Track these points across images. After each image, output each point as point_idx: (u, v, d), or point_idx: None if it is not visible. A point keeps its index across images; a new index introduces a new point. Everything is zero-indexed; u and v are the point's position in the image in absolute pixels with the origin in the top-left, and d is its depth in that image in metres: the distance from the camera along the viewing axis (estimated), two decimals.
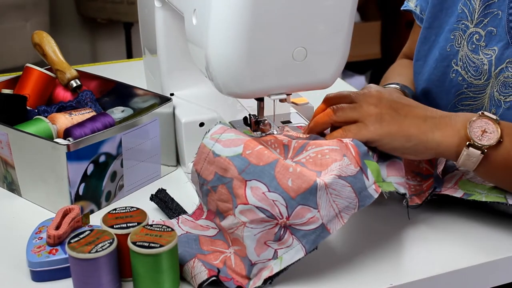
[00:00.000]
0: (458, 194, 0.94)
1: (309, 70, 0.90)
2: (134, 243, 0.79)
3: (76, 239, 0.80)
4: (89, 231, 0.82)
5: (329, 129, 0.95)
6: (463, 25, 1.12)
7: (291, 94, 0.94)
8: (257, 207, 0.80)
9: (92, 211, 1.01)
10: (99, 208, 1.02)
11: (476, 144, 0.87)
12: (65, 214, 0.89)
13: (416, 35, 1.28)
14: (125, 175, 1.05)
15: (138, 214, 0.87)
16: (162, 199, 1.00)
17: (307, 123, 1.05)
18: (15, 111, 1.11)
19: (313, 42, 0.88)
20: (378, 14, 3.81)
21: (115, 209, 0.88)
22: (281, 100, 0.93)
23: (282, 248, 0.81)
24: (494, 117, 0.90)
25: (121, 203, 1.04)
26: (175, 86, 1.20)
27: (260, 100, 0.97)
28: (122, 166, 1.04)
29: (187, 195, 1.03)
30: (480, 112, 0.90)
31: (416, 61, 1.22)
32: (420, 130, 0.88)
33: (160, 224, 0.83)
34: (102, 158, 0.99)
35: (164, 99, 1.12)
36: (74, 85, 1.20)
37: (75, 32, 3.45)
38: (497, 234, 0.95)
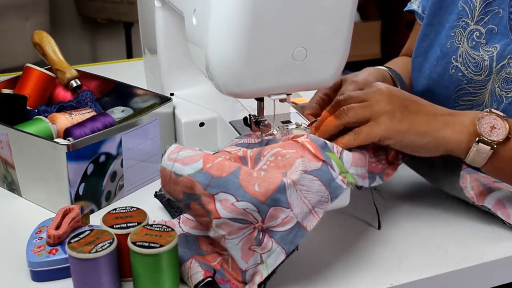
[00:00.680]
0: (400, 162, 0.94)
1: (309, 70, 0.90)
2: (134, 243, 0.79)
3: (76, 239, 0.80)
4: (89, 231, 0.82)
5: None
6: (463, 23, 1.12)
7: (291, 94, 0.94)
8: (230, 219, 0.79)
9: (92, 211, 1.01)
10: (99, 208, 1.02)
11: (486, 139, 0.89)
12: (65, 214, 0.89)
13: (416, 34, 1.28)
14: (125, 175, 1.05)
15: (138, 214, 0.87)
16: (165, 196, 1.00)
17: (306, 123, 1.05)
18: (15, 111, 1.11)
19: (313, 42, 0.88)
20: (378, 14, 3.82)
21: (115, 209, 0.88)
22: (281, 100, 0.93)
23: (264, 252, 0.80)
24: (502, 114, 0.91)
25: (121, 203, 1.04)
26: (175, 86, 1.20)
27: (260, 100, 0.97)
28: (122, 166, 1.04)
29: None
30: (487, 109, 0.91)
31: (415, 57, 1.22)
32: (431, 127, 0.89)
33: (160, 224, 0.83)
34: (102, 158, 0.99)
35: (164, 99, 1.12)
36: (74, 85, 1.20)
37: (75, 32, 3.45)
38: (497, 234, 0.95)
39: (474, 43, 1.10)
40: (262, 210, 0.79)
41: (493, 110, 0.91)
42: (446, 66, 1.15)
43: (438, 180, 1.00)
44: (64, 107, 1.17)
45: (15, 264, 0.89)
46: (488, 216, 0.98)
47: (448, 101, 1.15)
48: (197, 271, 0.82)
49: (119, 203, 1.04)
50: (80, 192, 0.98)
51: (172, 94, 1.19)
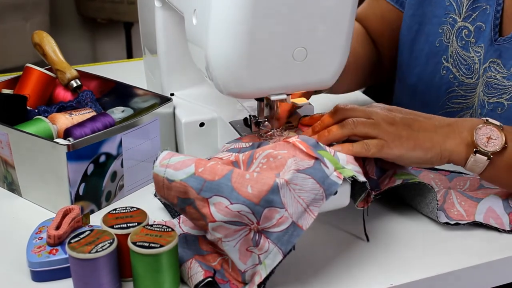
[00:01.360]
0: (398, 182, 0.94)
1: (309, 70, 0.90)
2: (134, 243, 0.79)
3: (76, 239, 0.80)
4: (89, 231, 0.82)
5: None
6: (451, 19, 1.10)
7: (291, 94, 0.94)
8: (225, 222, 0.79)
9: (92, 211, 1.01)
10: (99, 208, 1.02)
11: (482, 150, 0.91)
12: (65, 214, 0.89)
13: (374, 2, 1.26)
14: (125, 175, 1.05)
15: (138, 214, 0.87)
16: None
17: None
18: (15, 111, 1.11)
19: (313, 42, 0.88)
20: None
21: (115, 209, 0.88)
22: (281, 100, 0.93)
23: (262, 253, 0.80)
24: (498, 123, 0.93)
25: (121, 203, 1.04)
26: (175, 86, 1.20)
27: (260, 100, 0.97)
28: (122, 166, 1.04)
29: None
30: (484, 119, 0.93)
31: (401, 51, 1.21)
32: (433, 142, 0.92)
33: (160, 224, 0.83)
34: (102, 158, 1.00)
35: (164, 99, 1.12)
36: (74, 85, 1.20)
37: (75, 32, 3.45)
38: (497, 234, 0.95)
39: (463, 42, 1.08)
40: (256, 212, 0.78)
41: (489, 120, 0.93)
42: (437, 66, 1.13)
43: (417, 202, 1.00)
44: (64, 107, 1.16)
45: (15, 264, 0.89)
46: None
47: (438, 103, 1.14)
48: (197, 271, 0.82)
49: (119, 203, 1.04)
50: (80, 192, 0.98)
51: (172, 94, 1.19)
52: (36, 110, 1.14)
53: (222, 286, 0.82)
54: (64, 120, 1.10)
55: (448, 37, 1.10)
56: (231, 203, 0.78)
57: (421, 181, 0.94)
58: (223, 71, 0.87)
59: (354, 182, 0.85)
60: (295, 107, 1.03)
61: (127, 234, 0.82)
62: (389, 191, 0.97)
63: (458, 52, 1.08)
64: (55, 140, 1.03)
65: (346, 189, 0.87)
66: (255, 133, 1.00)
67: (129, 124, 1.03)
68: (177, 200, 0.83)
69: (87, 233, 0.82)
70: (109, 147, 1.00)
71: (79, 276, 0.80)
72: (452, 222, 0.95)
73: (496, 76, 1.03)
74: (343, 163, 0.86)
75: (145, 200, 1.02)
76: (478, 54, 1.06)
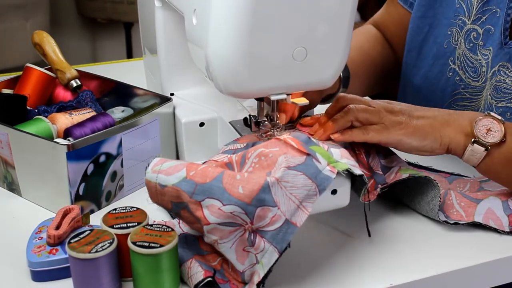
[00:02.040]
0: (405, 176, 0.95)
1: (309, 70, 0.90)
2: (134, 243, 0.79)
3: (76, 239, 0.80)
4: (89, 231, 0.82)
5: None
6: (460, 21, 1.10)
7: (291, 94, 0.94)
8: (219, 224, 0.79)
9: (92, 211, 1.01)
10: (99, 208, 1.02)
11: (481, 141, 0.91)
12: (65, 214, 0.89)
13: (391, 7, 1.27)
14: (125, 175, 1.05)
15: (138, 214, 0.87)
16: None
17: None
18: (15, 111, 1.11)
19: (313, 42, 0.88)
20: None
21: (115, 209, 0.88)
22: (281, 100, 0.93)
23: (258, 253, 0.80)
24: (499, 117, 0.93)
25: (121, 203, 1.04)
26: (175, 86, 1.20)
27: (260, 100, 0.97)
28: (122, 166, 1.04)
29: None
30: (486, 112, 0.94)
31: (408, 51, 1.21)
32: (433, 128, 0.92)
33: (160, 224, 0.83)
34: (102, 158, 0.99)
35: (164, 99, 1.12)
36: (74, 85, 1.20)
37: (75, 32, 3.45)
38: (497, 234, 0.95)
39: (471, 44, 1.08)
40: (249, 212, 0.78)
41: (491, 113, 0.93)
42: (443, 68, 1.13)
43: (417, 201, 1.00)
44: (64, 107, 1.16)
45: (15, 264, 0.89)
46: None
47: (443, 105, 1.14)
48: (197, 271, 0.82)
49: (119, 203, 1.04)
50: (80, 192, 0.98)
51: (172, 94, 1.19)
52: (36, 110, 1.14)
53: (222, 286, 0.82)
54: (64, 120, 1.10)
55: (456, 39, 1.10)
56: (224, 205, 0.78)
57: (427, 176, 0.94)
58: (223, 71, 0.87)
59: (355, 176, 0.85)
60: (301, 110, 1.02)
61: (127, 234, 0.82)
62: (390, 190, 0.97)
63: (465, 55, 1.08)
64: (55, 140, 1.03)
65: (346, 189, 0.87)
66: (255, 133, 1.00)
67: (129, 124, 1.03)
68: (171, 205, 0.83)
69: (87, 233, 0.82)
70: (109, 147, 1.00)
71: (79, 276, 0.80)
72: (451, 222, 0.95)
73: (505, 80, 1.03)
74: (337, 158, 0.86)
75: (145, 200, 1.02)
76: (485, 57, 1.06)
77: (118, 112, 1.16)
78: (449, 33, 1.12)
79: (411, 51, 1.20)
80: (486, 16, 1.06)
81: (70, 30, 3.42)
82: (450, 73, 1.11)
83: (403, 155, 1.00)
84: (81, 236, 0.81)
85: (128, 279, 0.84)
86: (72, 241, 0.80)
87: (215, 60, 0.87)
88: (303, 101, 1.15)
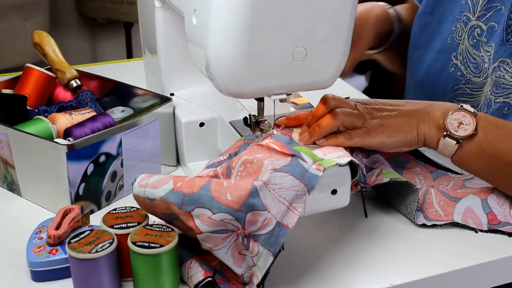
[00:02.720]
0: (386, 180, 0.96)
1: (309, 70, 0.90)
2: (134, 243, 0.79)
3: (76, 239, 0.80)
4: (89, 231, 0.82)
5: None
6: (464, 17, 1.11)
7: (291, 94, 0.94)
8: (211, 232, 0.79)
9: (92, 211, 1.01)
10: (99, 208, 1.02)
11: (452, 134, 0.93)
12: (65, 214, 0.89)
13: (412, 3, 1.30)
14: (125, 175, 1.05)
15: (138, 214, 0.87)
16: None
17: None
18: (15, 111, 1.11)
19: (313, 42, 0.88)
20: None
21: (115, 209, 0.88)
22: (281, 100, 0.93)
23: (254, 256, 0.80)
24: (472, 110, 0.95)
25: (121, 203, 1.04)
26: (175, 86, 1.20)
27: (260, 100, 0.97)
28: (122, 166, 1.04)
29: None
30: (459, 105, 0.95)
31: (415, 47, 1.22)
32: (410, 125, 0.95)
33: (160, 224, 0.83)
34: (102, 158, 0.99)
35: (164, 99, 1.12)
36: (74, 85, 1.20)
37: (75, 32, 3.45)
38: (497, 234, 0.95)
39: (475, 40, 1.09)
40: (239, 218, 0.78)
41: (464, 105, 0.95)
42: (446, 63, 1.14)
43: (396, 203, 1.01)
44: (64, 107, 1.16)
45: (15, 264, 0.89)
46: None
47: (443, 99, 1.15)
48: (197, 271, 0.82)
49: (119, 203, 1.04)
50: (80, 192, 0.98)
51: (172, 94, 1.19)
52: (36, 110, 1.14)
53: (222, 286, 0.82)
54: (64, 120, 1.10)
55: (460, 34, 1.11)
56: (213, 213, 0.78)
57: (407, 181, 0.96)
58: (223, 71, 0.87)
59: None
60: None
61: (127, 234, 0.82)
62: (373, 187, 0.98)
63: (468, 51, 1.09)
64: (55, 140, 1.03)
65: (346, 189, 0.87)
66: (255, 133, 1.00)
67: (129, 124, 1.03)
68: (162, 216, 0.83)
69: (87, 233, 0.82)
70: (109, 147, 1.00)
71: (79, 276, 0.80)
72: (429, 223, 0.96)
73: (504, 76, 1.04)
74: (320, 156, 0.86)
75: None
76: (488, 54, 1.07)
77: (118, 112, 1.16)
78: (454, 28, 1.13)
79: (418, 47, 1.21)
80: (491, 13, 1.07)
81: (70, 30, 3.42)
82: (452, 68, 1.12)
83: None
84: (81, 236, 0.81)
85: (128, 279, 0.84)
86: (72, 241, 0.80)
87: (215, 60, 0.87)
88: (303, 101, 1.15)
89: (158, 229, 0.82)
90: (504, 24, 1.05)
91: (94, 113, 1.12)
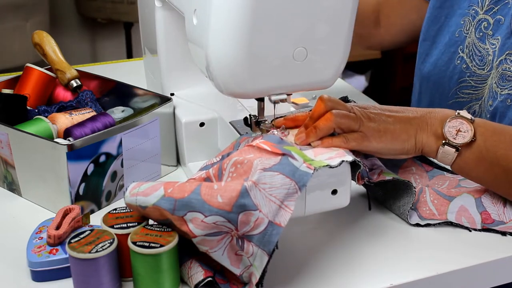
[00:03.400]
0: (389, 178, 0.96)
1: (309, 70, 0.90)
2: (134, 243, 0.79)
3: (76, 239, 0.80)
4: (89, 231, 0.82)
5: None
6: (473, 11, 1.12)
7: (291, 94, 0.94)
8: (205, 235, 0.79)
9: (92, 211, 1.01)
10: (99, 208, 1.02)
11: (451, 142, 0.93)
12: (65, 214, 0.89)
13: None
14: (125, 175, 1.05)
15: (138, 214, 0.86)
16: None
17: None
18: (15, 111, 1.11)
19: (313, 42, 0.88)
20: None
21: (115, 209, 0.88)
22: (281, 100, 0.93)
23: (249, 256, 0.80)
24: (469, 116, 0.94)
25: (121, 203, 1.04)
26: (175, 86, 1.20)
27: (260, 100, 0.97)
28: (122, 166, 1.04)
29: None
30: (457, 112, 0.95)
31: (423, 40, 1.22)
32: (408, 134, 0.94)
33: (160, 224, 0.83)
34: (102, 158, 1.00)
35: (164, 99, 1.12)
36: (74, 85, 1.20)
37: (75, 32, 3.45)
38: (497, 233, 0.95)
39: (481, 34, 1.10)
40: (231, 219, 0.78)
41: (461, 112, 0.95)
42: (453, 56, 1.15)
43: (389, 203, 1.01)
44: (64, 107, 1.16)
45: (15, 264, 0.89)
46: None
47: (449, 92, 1.15)
48: (197, 271, 0.82)
49: (119, 203, 1.04)
50: (80, 192, 0.98)
51: (172, 94, 1.19)
52: (36, 110, 1.14)
53: (222, 286, 0.82)
54: (64, 120, 1.10)
55: (468, 28, 1.12)
56: (206, 216, 0.78)
57: (408, 181, 0.96)
58: (223, 71, 0.87)
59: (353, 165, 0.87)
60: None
61: (127, 234, 0.82)
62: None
63: (474, 43, 1.09)
64: (55, 140, 1.03)
65: (346, 189, 0.87)
66: (255, 132, 1.00)
67: (129, 124, 1.03)
68: (157, 220, 0.83)
69: (87, 233, 0.82)
70: (109, 147, 1.00)
71: (79, 276, 0.80)
72: (423, 223, 0.96)
73: (510, 68, 1.04)
74: (311, 157, 0.86)
75: None
76: (493, 47, 1.07)
77: (118, 112, 1.16)
78: (462, 22, 1.14)
79: (426, 40, 1.21)
80: (499, 6, 1.09)
81: (70, 30, 3.42)
82: (458, 61, 1.13)
83: None
84: (81, 236, 0.81)
85: (128, 279, 0.84)
86: (72, 241, 0.80)
87: (215, 60, 0.87)
88: (303, 101, 1.15)
89: (158, 229, 0.82)
90: (511, 17, 1.06)
91: (94, 113, 1.12)
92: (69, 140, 1.04)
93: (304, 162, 0.83)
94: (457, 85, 1.14)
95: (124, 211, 0.87)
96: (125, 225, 0.84)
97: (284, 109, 1.11)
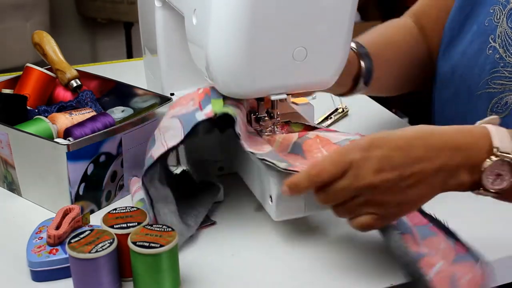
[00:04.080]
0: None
1: (309, 70, 0.90)
2: (134, 243, 0.79)
3: (76, 239, 0.80)
4: (89, 231, 0.82)
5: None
6: (504, 0, 1.10)
7: (291, 94, 0.94)
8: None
9: (92, 211, 1.01)
10: (99, 208, 1.02)
11: (488, 189, 0.80)
12: (65, 214, 0.89)
13: None
14: (125, 175, 1.05)
15: (138, 214, 0.87)
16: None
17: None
18: (15, 111, 1.11)
19: (313, 42, 0.88)
20: (378, 14, 3.81)
21: (115, 209, 0.88)
22: (281, 100, 0.93)
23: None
24: (510, 156, 0.79)
25: (121, 203, 1.04)
26: (175, 86, 1.20)
27: (260, 100, 0.97)
28: (122, 166, 1.04)
29: None
30: (495, 148, 0.79)
31: (448, 29, 1.18)
32: (433, 187, 0.80)
33: (160, 224, 0.83)
34: (102, 158, 0.99)
35: (164, 99, 1.12)
36: (74, 85, 1.20)
37: (75, 32, 3.45)
38: (497, 233, 0.95)
39: None
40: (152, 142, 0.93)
41: (500, 149, 0.79)
42: (483, 46, 1.12)
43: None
44: (64, 107, 1.16)
45: (15, 264, 0.89)
46: (488, 216, 0.98)
47: (479, 82, 1.11)
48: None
49: (119, 203, 1.04)
50: (80, 192, 0.98)
51: (172, 94, 1.19)
52: (36, 110, 1.14)
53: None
54: (64, 120, 1.10)
55: (498, 17, 1.09)
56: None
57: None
58: (223, 71, 0.87)
59: None
60: None
61: (127, 234, 0.82)
62: None
63: (507, 33, 1.07)
64: (55, 140, 1.03)
65: None
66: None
67: (129, 124, 1.03)
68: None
69: (87, 233, 0.82)
70: (109, 147, 1.00)
71: (79, 276, 0.80)
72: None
73: None
74: (281, 164, 0.85)
75: None
76: None
77: (118, 112, 1.16)
78: (492, 11, 1.11)
79: (452, 29, 1.18)
80: None
81: (70, 30, 3.42)
82: (490, 51, 1.10)
83: None
84: (81, 236, 0.81)
85: (128, 279, 0.84)
86: (72, 241, 0.80)
87: (215, 60, 0.87)
88: (303, 101, 1.15)
89: (158, 229, 0.82)
90: None
91: (94, 113, 1.12)
92: (69, 140, 1.04)
93: (212, 111, 0.88)
94: (489, 75, 1.11)
95: (124, 211, 0.87)
96: (125, 225, 0.84)
97: (284, 108, 1.11)
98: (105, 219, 0.85)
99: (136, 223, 0.84)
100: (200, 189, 1.01)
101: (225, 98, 0.90)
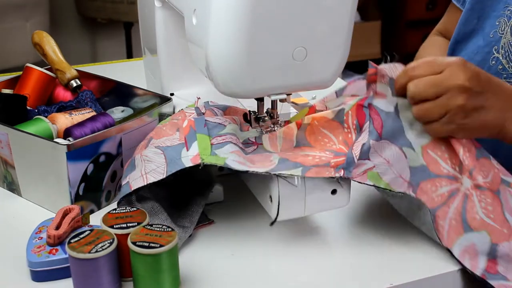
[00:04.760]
0: (368, 182, 0.87)
1: (309, 70, 0.90)
2: (134, 243, 0.79)
3: (76, 239, 0.80)
4: (89, 231, 0.82)
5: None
6: (508, 11, 1.10)
7: (291, 94, 0.94)
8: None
9: (92, 211, 1.01)
10: (99, 208, 1.02)
11: None
12: (65, 214, 0.89)
13: (451, 14, 1.28)
14: None
15: (138, 214, 0.87)
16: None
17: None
18: (15, 111, 1.11)
19: (313, 42, 0.88)
20: (378, 14, 3.82)
21: (115, 209, 0.88)
22: (281, 100, 0.93)
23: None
24: None
25: None
26: (175, 86, 1.20)
27: (260, 100, 0.97)
28: (122, 166, 1.04)
29: None
30: None
31: (455, 42, 1.20)
32: (494, 125, 0.89)
33: (160, 224, 0.83)
34: (102, 158, 1.00)
35: (164, 99, 1.12)
36: (74, 85, 1.20)
37: (75, 32, 3.45)
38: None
39: None
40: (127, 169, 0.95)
41: None
42: (487, 57, 1.13)
43: (408, 213, 0.95)
44: (64, 107, 1.17)
45: (15, 264, 0.89)
46: None
47: None
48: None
49: None
50: (80, 192, 0.98)
51: (172, 94, 1.19)
52: (36, 110, 1.14)
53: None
54: (64, 120, 1.10)
55: (503, 28, 1.10)
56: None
57: (392, 189, 0.87)
58: (223, 71, 0.87)
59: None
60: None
61: (127, 234, 0.82)
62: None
63: (510, 44, 1.08)
64: (55, 140, 1.03)
65: (346, 189, 0.87)
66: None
67: (129, 124, 1.03)
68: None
69: (87, 233, 0.82)
70: (109, 147, 1.00)
71: (79, 276, 0.80)
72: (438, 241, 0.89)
73: None
74: (225, 152, 0.88)
75: None
76: None
77: (118, 112, 1.16)
78: (497, 23, 1.12)
79: (459, 42, 1.19)
80: None
81: (70, 30, 3.42)
82: (493, 62, 1.11)
83: None
84: (81, 236, 0.81)
85: (128, 279, 0.84)
86: (72, 241, 0.80)
87: (215, 60, 0.87)
88: (303, 101, 1.15)
89: (158, 229, 0.82)
90: None
91: (94, 113, 1.12)
92: (69, 140, 1.04)
93: (198, 154, 0.88)
94: None
95: (124, 211, 0.87)
96: (125, 225, 0.84)
97: (284, 108, 1.11)
98: (105, 219, 0.85)
99: (136, 223, 0.84)
100: (192, 188, 1.01)
101: (209, 129, 0.92)
